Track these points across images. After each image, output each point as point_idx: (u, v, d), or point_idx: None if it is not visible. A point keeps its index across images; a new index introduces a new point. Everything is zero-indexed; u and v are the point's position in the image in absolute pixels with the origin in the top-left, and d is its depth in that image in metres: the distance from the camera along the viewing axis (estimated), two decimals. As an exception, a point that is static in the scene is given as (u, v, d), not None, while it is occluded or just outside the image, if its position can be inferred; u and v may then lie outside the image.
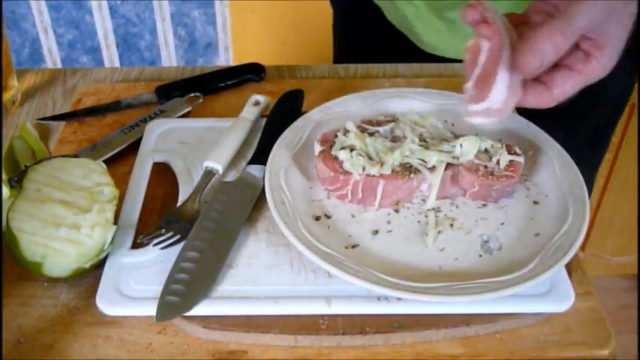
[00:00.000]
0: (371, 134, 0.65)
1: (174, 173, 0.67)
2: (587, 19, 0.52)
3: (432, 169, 0.62)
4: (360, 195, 0.61)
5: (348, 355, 0.53)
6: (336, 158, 0.62)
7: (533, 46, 0.53)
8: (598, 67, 0.54)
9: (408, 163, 0.62)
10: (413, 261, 0.57)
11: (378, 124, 0.67)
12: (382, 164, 0.61)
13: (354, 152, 0.62)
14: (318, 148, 0.65)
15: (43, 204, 0.56)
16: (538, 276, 0.53)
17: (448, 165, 0.62)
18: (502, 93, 0.56)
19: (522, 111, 0.59)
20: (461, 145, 0.63)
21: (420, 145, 0.64)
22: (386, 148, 0.63)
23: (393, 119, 0.67)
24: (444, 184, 0.62)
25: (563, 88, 0.55)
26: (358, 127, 0.66)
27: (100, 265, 0.57)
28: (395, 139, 0.65)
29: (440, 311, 0.54)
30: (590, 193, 1.11)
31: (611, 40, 0.53)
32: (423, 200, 0.63)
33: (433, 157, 0.62)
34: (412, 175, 0.61)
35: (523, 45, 0.54)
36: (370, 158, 0.62)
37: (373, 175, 0.60)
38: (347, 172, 0.61)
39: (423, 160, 0.62)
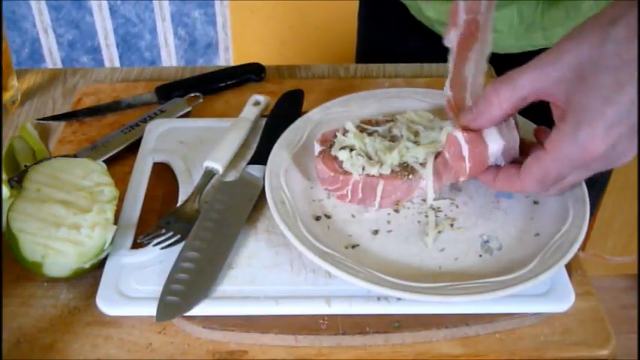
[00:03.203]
0: (370, 134, 0.65)
1: (175, 173, 0.67)
2: (530, 78, 0.51)
3: (425, 164, 0.61)
4: (360, 195, 0.61)
5: (348, 355, 0.53)
6: (335, 158, 0.62)
7: (479, 103, 0.54)
8: (559, 137, 0.51)
9: (405, 162, 0.62)
10: (413, 261, 0.57)
11: (377, 123, 0.67)
12: (382, 164, 0.61)
13: (353, 152, 0.62)
14: (318, 148, 0.65)
15: (43, 204, 0.56)
16: (538, 276, 0.53)
17: (439, 153, 0.61)
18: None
19: (523, 111, 0.59)
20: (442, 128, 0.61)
21: (415, 143, 0.63)
22: (385, 148, 0.62)
23: (392, 119, 0.67)
24: (439, 173, 0.61)
25: (530, 169, 0.54)
26: (357, 127, 0.66)
27: (100, 265, 0.57)
28: (393, 139, 0.65)
29: (440, 311, 0.54)
30: (601, 192, 1.10)
31: (578, 111, 0.49)
32: (424, 200, 0.63)
33: (421, 153, 0.61)
34: (410, 176, 0.61)
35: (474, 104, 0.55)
36: (370, 158, 0.62)
37: (373, 175, 0.60)
38: (347, 173, 0.61)
39: (417, 158, 0.62)
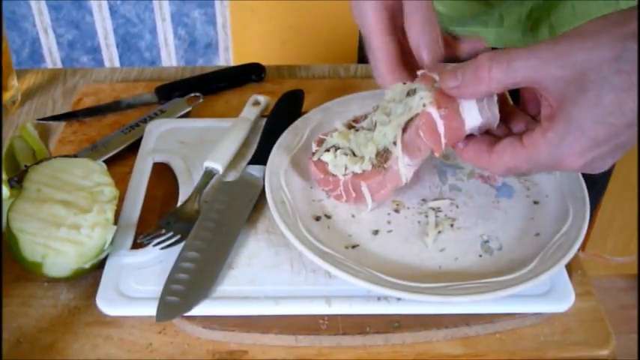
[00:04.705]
0: (357, 130, 0.63)
1: (175, 173, 0.67)
2: (527, 65, 0.48)
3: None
4: (354, 194, 0.60)
5: (348, 355, 0.53)
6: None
7: (467, 73, 0.51)
8: (541, 142, 0.49)
9: (384, 149, 0.59)
10: (413, 261, 0.57)
11: (365, 117, 0.64)
12: (363, 160, 0.59)
13: (339, 152, 0.60)
14: (314, 149, 0.64)
15: (43, 204, 0.56)
16: (538, 276, 0.53)
17: (409, 123, 0.57)
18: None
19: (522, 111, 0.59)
20: (414, 91, 0.57)
21: (388, 124, 0.59)
22: (366, 141, 0.60)
23: (376, 107, 0.63)
24: (415, 146, 0.57)
25: (502, 155, 0.52)
26: (348, 125, 0.64)
27: (100, 266, 0.57)
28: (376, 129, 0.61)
29: (440, 311, 0.54)
30: (601, 192, 1.10)
31: (569, 123, 0.48)
32: (424, 200, 0.63)
33: (389, 130, 0.58)
34: (386, 164, 0.58)
35: (464, 68, 0.52)
36: (355, 155, 0.60)
37: (357, 174, 0.59)
38: (335, 174, 0.60)
39: (388, 138, 0.58)
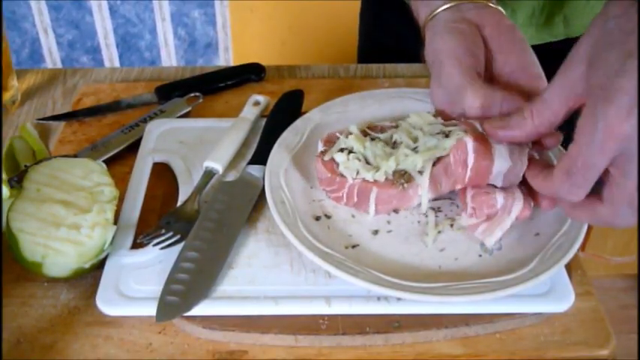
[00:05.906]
0: (373, 139, 0.63)
1: (175, 173, 0.67)
2: (555, 87, 0.51)
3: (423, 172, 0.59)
4: (356, 199, 0.60)
5: (348, 355, 0.53)
6: (333, 160, 0.62)
7: (513, 117, 0.55)
8: (579, 124, 0.48)
9: (403, 170, 0.60)
10: (413, 261, 0.57)
11: (382, 130, 0.65)
12: (377, 170, 0.59)
13: (351, 155, 0.61)
14: (320, 147, 0.64)
15: (43, 204, 0.56)
16: (538, 276, 0.53)
17: (439, 159, 0.59)
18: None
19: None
20: (447, 134, 0.60)
21: (414, 150, 0.61)
22: (384, 154, 0.61)
23: (396, 124, 0.65)
24: (438, 181, 0.59)
25: (557, 164, 0.51)
26: (362, 131, 0.64)
27: (100, 265, 0.57)
28: (395, 145, 0.63)
29: (440, 311, 0.54)
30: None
31: (594, 92, 0.47)
32: (423, 200, 0.63)
33: (419, 160, 0.59)
34: (406, 185, 0.59)
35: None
36: (368, 163, 0.61)
37: (368, 181, 0.59)
38: (343, 175, 0.61)
39: (416, 165, 0.60)
